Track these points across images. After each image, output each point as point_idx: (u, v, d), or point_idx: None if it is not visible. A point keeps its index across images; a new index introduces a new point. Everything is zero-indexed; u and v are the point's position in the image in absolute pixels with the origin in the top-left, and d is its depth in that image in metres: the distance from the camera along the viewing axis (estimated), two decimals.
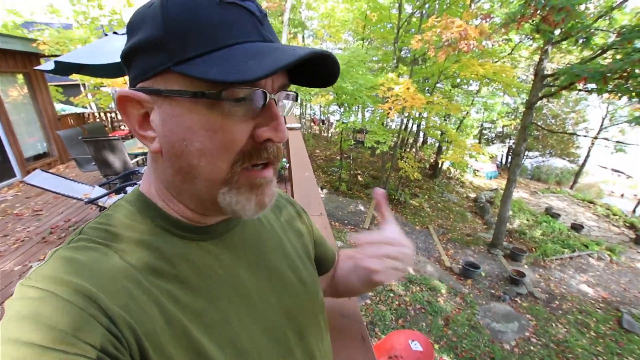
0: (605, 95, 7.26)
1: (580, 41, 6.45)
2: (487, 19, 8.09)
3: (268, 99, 0.38)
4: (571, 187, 17.25)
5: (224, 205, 0.40)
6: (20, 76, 6.08)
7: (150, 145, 0.39)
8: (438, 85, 11.42)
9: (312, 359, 0.52)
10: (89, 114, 8.66)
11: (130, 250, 0.39)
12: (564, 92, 7.72)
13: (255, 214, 0.42)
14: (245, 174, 0.40)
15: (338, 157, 12.87)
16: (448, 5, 10.69)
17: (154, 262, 0.39)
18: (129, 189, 3.07)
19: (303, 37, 15.77)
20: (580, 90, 6.91)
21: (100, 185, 3.90)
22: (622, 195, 17.85)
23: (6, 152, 5.58)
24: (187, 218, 0.44)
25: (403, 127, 11.97)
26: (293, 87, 0.46)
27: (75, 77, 8.84)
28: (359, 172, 13.41)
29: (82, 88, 11.27)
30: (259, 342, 0.44)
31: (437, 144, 14.33)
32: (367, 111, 14.06)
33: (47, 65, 4.23)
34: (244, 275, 0.47)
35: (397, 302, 5.35)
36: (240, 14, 0.36)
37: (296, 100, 0.47)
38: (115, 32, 4.23)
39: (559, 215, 11.40)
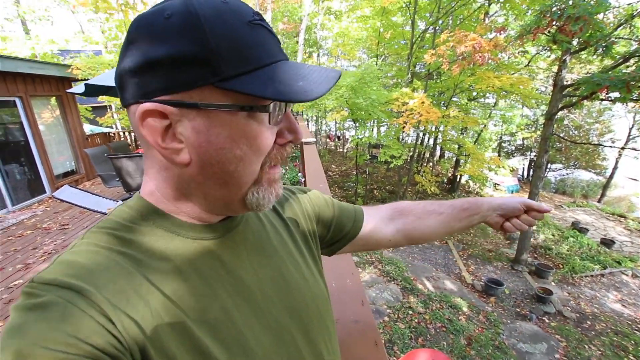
0: (631, 104, 7.02)
1: (600, 50, 6.30)
2: (502, 32, 8.09)
3: (287, 107, 0.43)
4: (599, 201, 16.46)
5: (251, 201, 0.44)
6: (53, 99, 6.50)
7: (176, 157, 0.39)
8: (454, 98, 11.37)
9: (319, 357, 0.52)
10: (114, 133, 9.10)
11: (132, 252, 0.39)
12: (585, 102, 7.52)
13: (271, 204, 0.47)
14: (268, 171, 0.44)
15: (354, 172, 12.87)
16: (461, 20, 10.78)
17: (155, 262, 0.40)
18: None
19: (318, 55, 16.19)
20: (602, 99, 6.72)
21: (123, 200, 4.05)
22: None
23: (38, 170, 5.90)
24: (193, 218, 0.45)
25: (419, 141, 11.91)
26: None
27: (103, 99, 9.37)
28: (375, 186, 13.33)
29: (109, 109, 11.89)
30: (264, 342, 0.44)
31: (454, 158, 14.12)
32: (382, 126, 14.11)
33: (78, 88, 4.53)
34: (247, 275, 0.47)
35: (416, 320, 5.17)
36: (265, 34, 0.40)
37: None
38: None
39: (587, 230, 10.86)
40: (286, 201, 0.64)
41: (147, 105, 0.37)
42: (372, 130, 13.51)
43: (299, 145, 7.74)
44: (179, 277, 0.40)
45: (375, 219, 0.77)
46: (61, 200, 3.65)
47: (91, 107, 11.73)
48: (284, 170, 6.02)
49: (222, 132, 0.38)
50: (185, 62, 0.36)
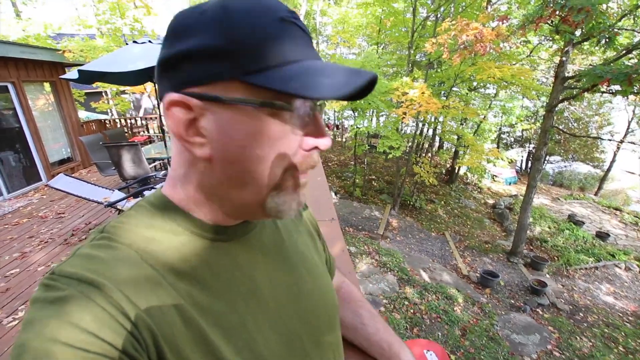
0: (632, 97, 6.97)
1: (603, 42, 6.21)
2: (504, 21, 7.94)
3: (315, 110, 0.41)
4: (596, 194, 16.56)
5: (271, 206, 0.42)
6: (47, 85, 6.38)
7: (197, 151, 0.39)
8: (454, 89, 11.25)
9: None
10: (110, 120, 8.98)
11: (151, 250, 0.39)
12: (586, 94, 7.47)
13: (294, 213, 0.44)
14: (293, 177, 0.41)
15: (352, 162, 12.83)
16: (464, 8, 10.58)
17: (174, 262, 0.40)
18: (147, 193, 3.15)
19: (317, 42, 15.91)
20: (603, 92, 6.66)
21: (119, 189, 4.02)
22: None
23: (33, 158, 5.84)
24: (211, 219, 0.44)
25: (418, 131, 11.84)
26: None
27: (97, 85, 9.20)
28: (374, 177, 13.32)
29: (104, 95, 11.69)
30: (275, 347, 0.44)
31: (453, 149, 14.09)
32: (382, 116, 14.00)
33: (72, 74, 4.43)
34: (261, 280, 0.47)
35: (412, 311, 5.23)
36: (297, 33, 0.39)
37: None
38: (135, 41, 4.38)
39: (583, 222, 10.95)
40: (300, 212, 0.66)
41: (173, 96, 0.38)
42: (371, 120, 13.42)
43: None
44: (196, 278, 0.41)
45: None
46: (56, 189, 3.61)
47: (84, 92, 11.57)
48: None
49: (244, 129, 0.38)
50: (212, 55, 0.36)
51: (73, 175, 4.62)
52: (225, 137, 0.38)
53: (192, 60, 0.37)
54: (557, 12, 5.91)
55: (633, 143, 12.18)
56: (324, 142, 0.41)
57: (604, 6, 6.07)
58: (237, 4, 0.36)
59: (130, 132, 9.15)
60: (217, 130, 0.38)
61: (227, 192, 0.42)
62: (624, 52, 6.51)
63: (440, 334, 4.93)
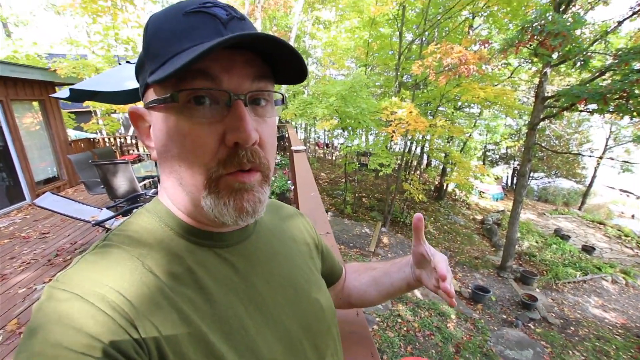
0: (608, 115, 7.33)
1: (578, 64, 6.58)
2: (486, 45, 8.34)
3: (232, 99, 0.38)
4: (579, 208, 16.98)
5: (207, 210, 0.40)
6: (35, 103, 6.32)
7: (152, 154, 0.43)
8: (440, 108, 11.60)
9: None
10: (99, 139, 8.89)
11: (151, 256, 0.40)
12: (565, 113, 7.80)
13: (236, 219, 0.41)
14: (226, 178, 0.39)
15: (343, 180, 12.90)
16: (447, 32, 11.09)
17: (174, 268, 0.40)
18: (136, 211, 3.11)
19: (307, 63, 16.29)
20: (581, 111, 6.98)
21: (107, 208, 3.95)
22: (633, 216, 17.47)
23: (18, 177, 5.69)
24: (205, 225, 0.45)
25: (407, 149, 12.06)
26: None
27: (87, 104, 9.16)
28: (364, 194, 13.39)
29: (93, 115, 11.62)
30: (275, 350, 0.44)
31: (441, 166, 14.35)
32: (371, 134, 14.26)
33: (63, 93, 4.42)
34: (259, 284, 0.47)
35: (405, 328, 5.17)
36: (202, 20, 0.37)
37: (283, 102, 0.46)
38: (128, 62, 4.42)
39: (569, 236, 11.16)
40: (295, 216, 0.67)
41: (129, 108, 0.43)
42: (362, 138, 13.66)
43: (288, 153, 7.71)
44: (196, 284, 0.41)
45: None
46: (42, 208, 3.52)
47: (74, 112, 11.45)
48: (273, 178, 5.97)
49: (162, 129, 0.40)
50: (140, 67, 0.41)
51: (59, 194, 4.52)
52: (156, 138, 0.41)
53: (139, 75, 0.43)
54: (536, 37, 6.26)
55: (612, 159, 12.65)
56: (241, 137, 0.37)
57: (578, 31, 6.45)
58: (156, 14, 0.40)
59: (119, 150, 9.06)
60: (154, 134, 0.42)
61: (174, 193, 0.43)
62: (598, 74, 6.88)
63: (434, 351, 4.86)
